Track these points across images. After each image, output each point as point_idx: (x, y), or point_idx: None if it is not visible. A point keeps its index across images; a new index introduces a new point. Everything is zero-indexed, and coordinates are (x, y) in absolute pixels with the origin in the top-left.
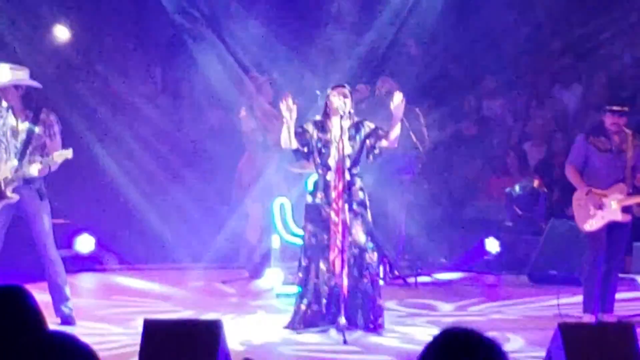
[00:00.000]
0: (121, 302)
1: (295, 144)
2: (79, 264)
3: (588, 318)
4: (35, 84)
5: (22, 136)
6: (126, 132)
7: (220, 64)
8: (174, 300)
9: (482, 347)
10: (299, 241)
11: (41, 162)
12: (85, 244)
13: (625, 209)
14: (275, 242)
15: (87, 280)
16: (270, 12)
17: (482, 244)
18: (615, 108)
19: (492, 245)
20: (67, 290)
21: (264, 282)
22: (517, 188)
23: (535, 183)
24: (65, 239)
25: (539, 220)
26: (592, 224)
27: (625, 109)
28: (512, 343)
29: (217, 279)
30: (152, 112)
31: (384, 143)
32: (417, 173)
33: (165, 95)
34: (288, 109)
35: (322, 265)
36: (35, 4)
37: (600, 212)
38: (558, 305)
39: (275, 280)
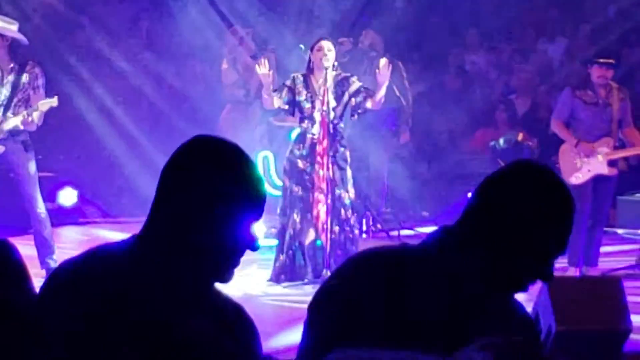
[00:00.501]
0: None
1: (277, 103)
2: (62, 216)
3: (572, 271)
4: (22, 37)
5: (8, 88)
6: (110, 85)
7: (204, 18)
8: None
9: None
10: (279, 193)
11: (27, 113)
12: (68, 197)
13: (612, 163)
14: None
15: (70, 233)
16: None
17: (465, 198)
18: (602, 60)
19: None
20: (53, 244)
21: None
22: (501, 141)
23: (520, 136)
24: (48, 192)
25: None
26: (579, 177)
27: (613, 61)
28: None
29: None
30: (137, 65)
31: (368, 103)
32: (409, 130)
33: (150, 48)
34: (265, 73)
35: (296, 218)
36: None
37: (586, 165)
38: None
39: (257, 232)
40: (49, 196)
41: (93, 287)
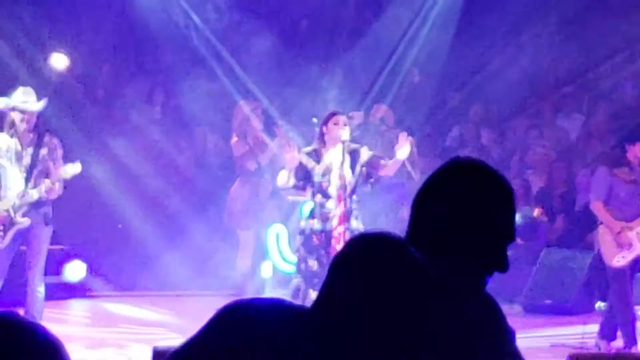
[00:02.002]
0: (114, 329)
1: (292, 182)
2: (69, 289)
3: (602, 344)
4: (44, 104)
5: (27, 160)
6: (124, 158)
7: (216, 91)
8: (168, 327)
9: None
10: (292, 268)
11: (50, 181)
12: (76, 271)
13: None
14: (265, 272)
15: (77, 306)
16: (268, 40)
17: None
18: None
19: None
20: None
21: None
22: (517, 217)
23: (536, 212)
24: (55, 266)
25: (538, 249)
26: (623, 258)
27: None
28: None
29: (210, 306)
30: (150, 138)
31: (380, 171)
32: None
33: (164, 121)
34: (293, 158)
35: (312, 294)
36: (38, 31)
37: (629, 247)
38: (583, 334)
39: None
40: (56, 269)
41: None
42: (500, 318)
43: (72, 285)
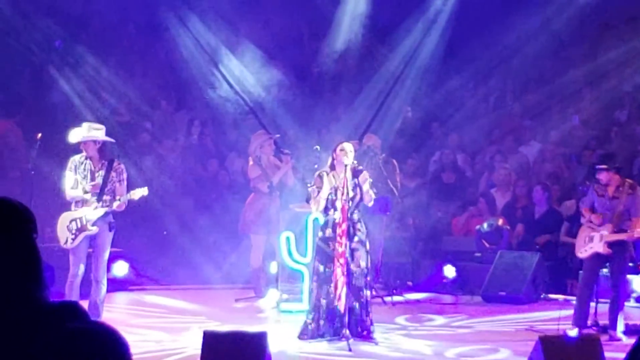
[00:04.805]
0: (152, 315)
1: (323, 205)
2: (115, 284)
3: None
4: (109, 139)
5: (99, 180)
6: (169, 177)
7: (241, 125)
8: (196, 313)
9: None
10: (301, 268)
11: (119, 199)
12: (120, 269)
13: (609, 245)
14: (273, 268)
15: (122, 298)
16: (285, 83)
17: (439, 271)
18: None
19: (450, 271)
20: (102, 309)
21: (267, 301)
22: (485, 225)
23: (500, 221)
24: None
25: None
26: (585, 251)
27: (604, 166)
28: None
29: (228, 296)
30: (190, 161)
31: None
32: (396, 212)
33: (199, 146)
34: (323, 186)
35: (325, 290)
36: (98, 76)
37: (590, 244)
38: (559, 318)
39: (275, 299)
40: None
41: None
42: None
43: (117, 280)
